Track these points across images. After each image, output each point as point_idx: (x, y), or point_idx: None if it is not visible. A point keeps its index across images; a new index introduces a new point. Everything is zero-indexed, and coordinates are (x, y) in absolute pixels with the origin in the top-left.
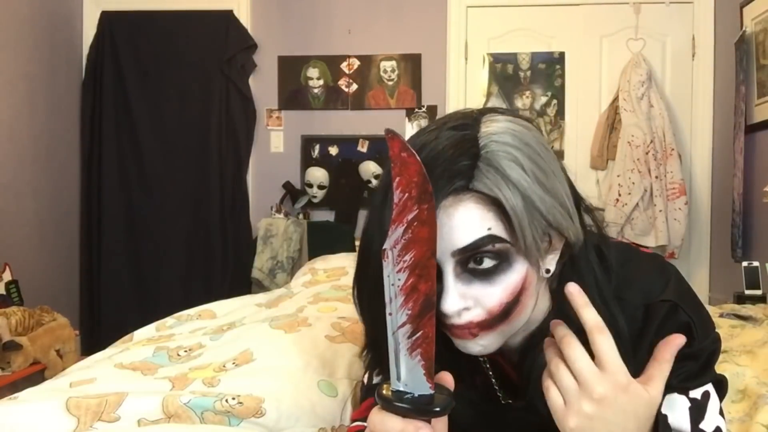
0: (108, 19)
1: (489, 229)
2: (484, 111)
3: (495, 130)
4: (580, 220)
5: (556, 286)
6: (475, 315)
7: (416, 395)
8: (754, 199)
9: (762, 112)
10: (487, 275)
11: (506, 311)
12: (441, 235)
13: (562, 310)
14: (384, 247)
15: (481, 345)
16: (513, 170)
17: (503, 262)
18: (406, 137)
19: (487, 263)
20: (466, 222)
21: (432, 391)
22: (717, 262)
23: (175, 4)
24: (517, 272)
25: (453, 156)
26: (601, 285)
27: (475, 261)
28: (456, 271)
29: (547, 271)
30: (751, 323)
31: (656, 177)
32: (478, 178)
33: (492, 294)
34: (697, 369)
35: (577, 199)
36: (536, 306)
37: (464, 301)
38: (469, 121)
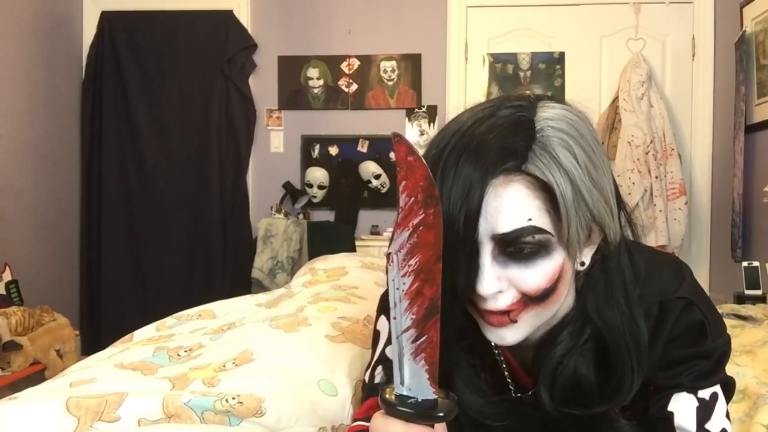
0: (108, 19)
1: (529, 220)
2: (540, 97)
3: (552, 116)
4: (619, 221)
5: (582, 285)
6: (510, 297)
7: (420, 400)
8: (754, 199)
9: (762, 112)
10: (524, 259)
11: (543, 295)
12: (485, 215)
13: (583, 309)
14: (389, 251)
15: (513, 332)
16: (566, 158)
17: (542, 249)
18: (407, 138)
19: (526, 250)
20: (510, 207)
21: (435, 396)
22: (717, 262)
23: (175, 4)
24: (555, 261)
25: (509, 135)
26: (629, 289)
27: (515, 247)
28: (493, 253)
29: (582, 263)
30: (751, 323)
31: (656, 177)
32: (531, 160)
33: (528, 277)
34: (708, 369)
35: (619, 199)
36: (564, 300)
37: (499, 283)
38: (526, 104)
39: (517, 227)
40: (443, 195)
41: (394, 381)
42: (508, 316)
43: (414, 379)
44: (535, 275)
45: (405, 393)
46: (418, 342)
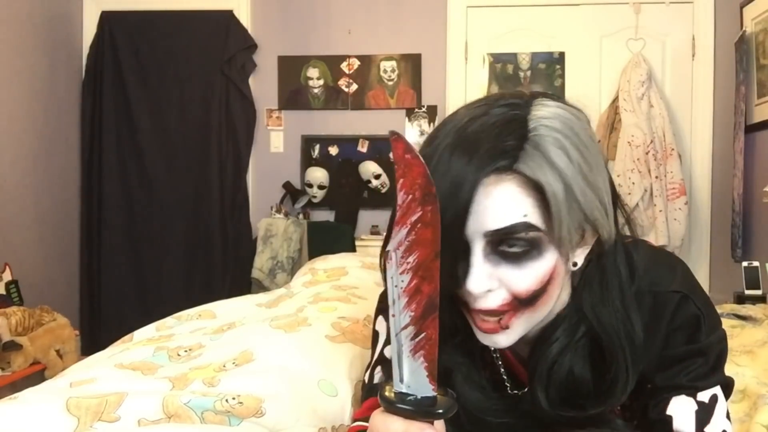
0: (108, 19)
1: (525, 216)
2: (536, 94)
3: (546, 114)
4: (615, 219)
5: (578, 283)
6: (500, 297)
7: (419, 397)
8: (754, 199)
9: (762, 112)
10: (516, 259)
11: (532, 298)
12: (476, 213)
13: (578, 307)
14: (387, 249)
15: (506, 336)
16: (559, 157)
17: (534, 249)
18: (406, 137)
19: (518, 248)
20: (502, 204)
21: (434, 393)
22: (717, 262)
23: (175, 4)
24: (547, 261)
25: (501, 134)
26: (624, 287)
27: (507, 245)
28: (485, 251)
29: (575, 264)
30: (751, 323)
31: (656, 177)
32: (522, 159)
33: (519, 277)
34: (707, 369)
35: (615, 197)
36: (558, 298)
37: (489, 281)
38: (521, 102)
39: (511, 223)
40: None
41: (393, 378)
42: (499, 323)
43: (413, 377)
44: (526, 276)
45: (404, 390)
46: (417, 339)
